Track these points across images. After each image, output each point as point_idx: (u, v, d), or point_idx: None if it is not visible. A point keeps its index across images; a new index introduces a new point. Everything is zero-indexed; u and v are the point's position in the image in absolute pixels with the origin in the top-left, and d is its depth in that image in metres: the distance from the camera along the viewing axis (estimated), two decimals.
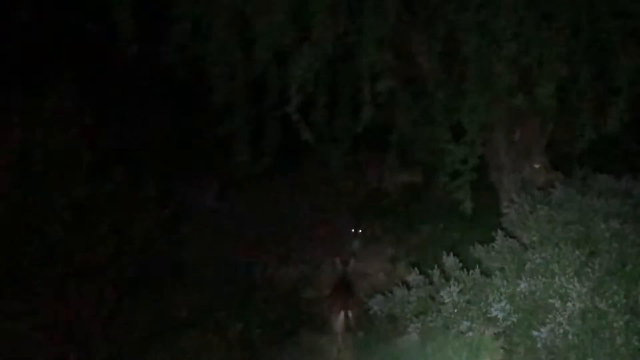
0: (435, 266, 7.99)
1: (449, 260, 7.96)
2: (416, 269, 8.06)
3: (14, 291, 9.18)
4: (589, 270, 7.00)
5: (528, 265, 7.44)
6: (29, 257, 9.25)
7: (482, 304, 7.42)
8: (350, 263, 10.46)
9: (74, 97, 9.87)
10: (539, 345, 6.90)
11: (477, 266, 7.87)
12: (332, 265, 10.70)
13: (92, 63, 10.66)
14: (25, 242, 9.22)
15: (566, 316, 6.77)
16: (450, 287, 7.56)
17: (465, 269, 7.87)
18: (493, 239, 7.99)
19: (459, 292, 7.54)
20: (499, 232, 8.03)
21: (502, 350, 7.69)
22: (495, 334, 7.77)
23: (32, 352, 9.07)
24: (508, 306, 7.18)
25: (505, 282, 7.43)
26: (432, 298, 7.79)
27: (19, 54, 10.65)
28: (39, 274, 9.23)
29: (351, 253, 10.81)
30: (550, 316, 6.84)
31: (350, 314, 9.73)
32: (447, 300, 7.50)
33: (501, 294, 7.33)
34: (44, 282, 9.27)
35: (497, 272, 7.68)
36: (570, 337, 6.75)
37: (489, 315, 7.31)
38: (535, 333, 6.88)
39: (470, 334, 7.57)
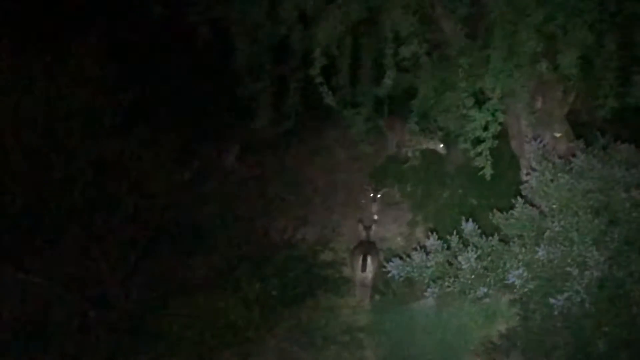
0: (454, 232, 8.03)
1: (468, 226, 7.99)
2: (434, 234, 8.10)
3: (36, 247, 9.27)
4: (608, 239, 7.03)
5: (547, 233, 7.47)
6: (51, 214, 9.32)
7: (500, 270, 7.47)
8: (372, 229, 10.56)
9: (98, 55, 9.88)
10: (556, 312, 6.96)
11: (496, 233, 7.90)
12: (354, 230, 10.79)
13: (116, 22, 10.66)
14: (48, 199, 9.29)
15: (584, 284, 6.81)
16: (468, 252, 7.60)
17: (483, 235, 7.91)
18: (512, 206, 8.00)
19: (477, 258, 7.59)
20: (519, 199, 8.04)
21: (518, 317, 7.76)
22: (511, 300, 7.84)
23: (52, 307, 9.18)
24: (525, 273, 7.23)
25: (523, 250, 7.47)
26: (450, 263, 7.84)
27: (44, 11, 10.67)
28: (61, 231, 9.31)
29: (372, 219, 10.85)
30: (567, 284, 6.88)
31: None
32: (464, 266, 7.56)
33: (519, 261, 7.37)
34: (65, 239, 9.36)
35: (516, 239, 7.72)
36: (587, 305, 6.80)
37: (506, 282, 7.37)
38: (552, 301, 6.93)
39: (487, 300, 7.65)
